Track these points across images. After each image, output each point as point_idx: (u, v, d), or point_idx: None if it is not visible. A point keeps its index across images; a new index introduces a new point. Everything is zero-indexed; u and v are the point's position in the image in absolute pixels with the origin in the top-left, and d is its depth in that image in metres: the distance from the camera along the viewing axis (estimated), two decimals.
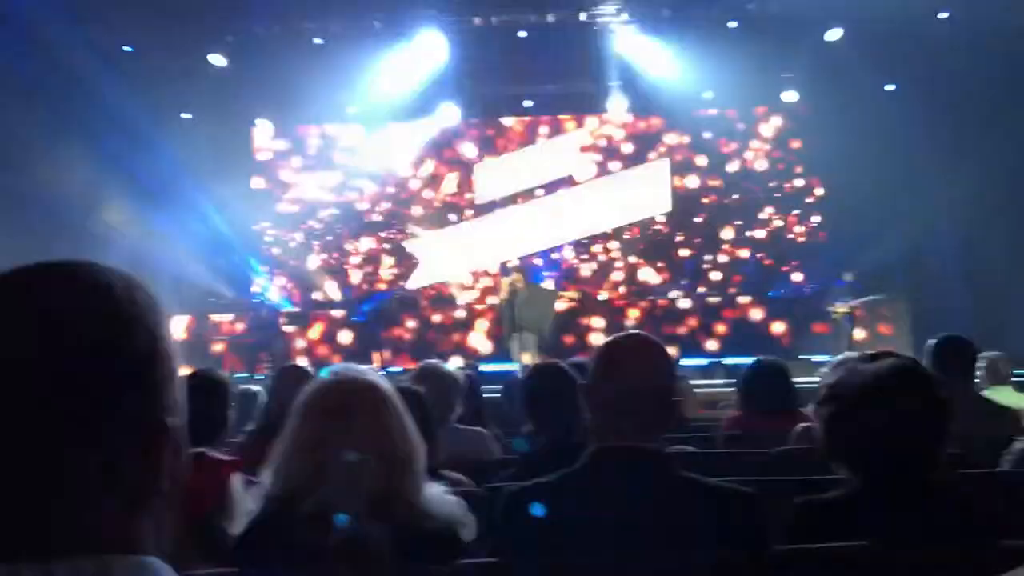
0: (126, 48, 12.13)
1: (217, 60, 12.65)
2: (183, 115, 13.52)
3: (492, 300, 13.72)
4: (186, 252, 12.99)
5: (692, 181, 14.79)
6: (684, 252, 14.71)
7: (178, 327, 12.83)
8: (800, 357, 11.24)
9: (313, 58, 12.69)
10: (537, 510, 1.79)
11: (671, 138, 14.83)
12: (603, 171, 14.92)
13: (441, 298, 14.71)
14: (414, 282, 14.73)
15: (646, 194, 14.77)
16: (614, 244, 14.77)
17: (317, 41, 12.83)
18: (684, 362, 11.98)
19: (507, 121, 15.17)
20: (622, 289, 14.54)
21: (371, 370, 1.97)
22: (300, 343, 13.18)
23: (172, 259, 12.51)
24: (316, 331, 13.53)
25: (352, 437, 1.73)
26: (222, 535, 2.18)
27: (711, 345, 13.27)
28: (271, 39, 12.83)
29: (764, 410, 3.91)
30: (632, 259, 14.66)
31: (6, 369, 0.73)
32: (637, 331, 2.02)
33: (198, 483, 2.37)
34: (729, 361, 11.84)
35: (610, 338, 1.99)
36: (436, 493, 1.82)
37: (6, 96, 10.53)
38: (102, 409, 0.76)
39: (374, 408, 1.77)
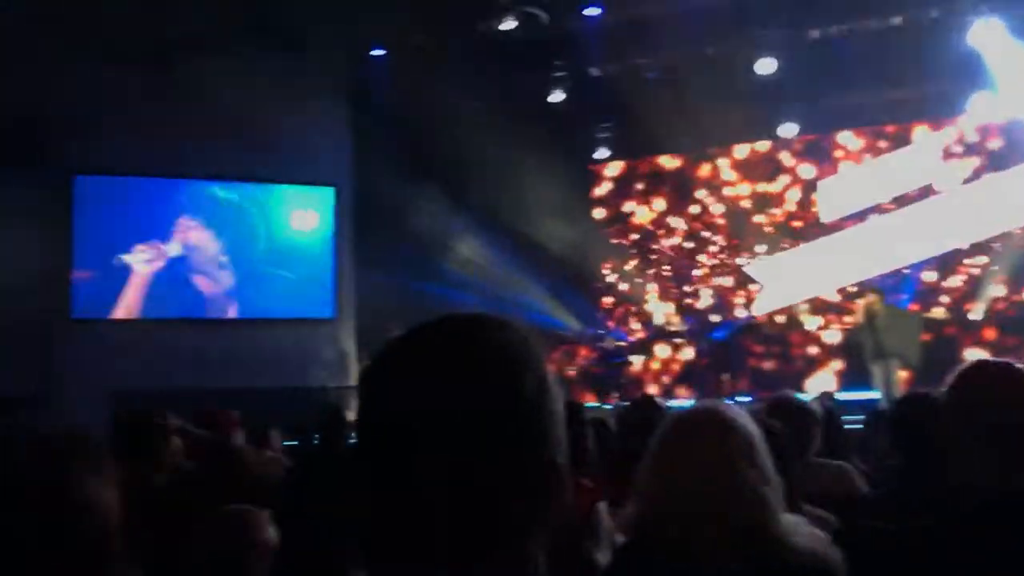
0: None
1: (554, 98, 13.34)
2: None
3: (847, 322, 12.95)
4: (535, 289, 13.80)
5: None
6: None
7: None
8: None
9: (646, 92, 12.97)
10: (910, 557, 1.66)
11: None
12: (970, 177, 13.47)
13: (791, 324, 14.18)
14: (758, 308, 14.34)
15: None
16: (981, 259, 13.19)
17: (650, 75, 13.11)
18: None
19: (847, 134, 14.36)
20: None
21: (727, 404, 1.97)
22: (645, 373, 13.35)
23: (524, 297, 13.36)
24: (660, 361, 13.62)
25: (700, 468, 1.74)
26: (590, 561, 2.27)
27: None
28: (605, 77, 13.33)
29: None
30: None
31: (423, 413, 0.83)
32: (988, 359, 1.81)
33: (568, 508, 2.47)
34: None
35: (967, 365, 1.80)
36: (798, 526, 1.76)
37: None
38: (499, 448, 0.83)
39: (722, 436, 1.77)
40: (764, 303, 14.34)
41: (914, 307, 12.63)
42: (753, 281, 14.48)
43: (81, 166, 11.38)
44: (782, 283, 14.17)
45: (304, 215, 12.79)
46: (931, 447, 2.69)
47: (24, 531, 1.00)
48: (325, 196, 12.82)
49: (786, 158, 14.66)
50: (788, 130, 13.82)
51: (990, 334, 12.18)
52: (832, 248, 13.96)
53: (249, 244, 12.46)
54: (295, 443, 6.68)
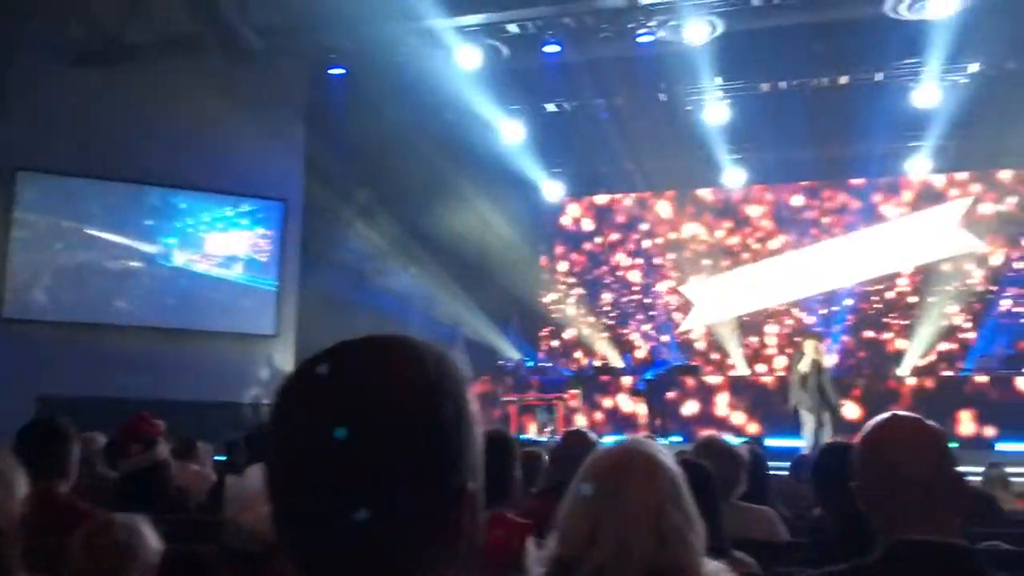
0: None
1: (513, 134, 13.46)
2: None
3: (778, 368, 13.33)
4: (477, 316, 13.84)
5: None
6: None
7: (474, 389, 13.59)
8: None
9: (600, 129, 13.20)
10: None
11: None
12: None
13: (722, 365, 14.51)
14: (688, 324, 14.84)
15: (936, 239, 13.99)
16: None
17: (604, 114, 13.35)
18: (1000, 447, 10.80)
19: (793, 186, 14.92)
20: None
21: (654, 442, 1.99)
22: (581, 408, 13.42)
23: (465, 324, 13.39)
24: (598, 397, 13.72)
25: (624, 505, 1.74)
26: None
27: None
28: (563, 114, 13.52)
29: None
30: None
31: (328, 435, 0.81)
32: (898, 413, 1.85)
33: (498, 542, 2.48)
34: None
35: (875, 422, 1.86)
36: (718, 572, 1.78)
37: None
38: (414, 472, 0.82)
39: (648, 478, 1.77)
40: (695, 321, 14.89)
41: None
42: (686, 310, 14.85)
43: (23, 163, 11.11)
44: (714, 303, 14.75)
45: (251, 228, 12.65)
46: (849, 497, 2.76)
47: None
48: (273, 210, 12.70)
49: (732, 206, 15.13)
50: (734, 178, 14.28)
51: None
52: (763, 272, 14.73)
53: (192, 254, 12.27)
54: (224, 458, 6.56)
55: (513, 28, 11.41)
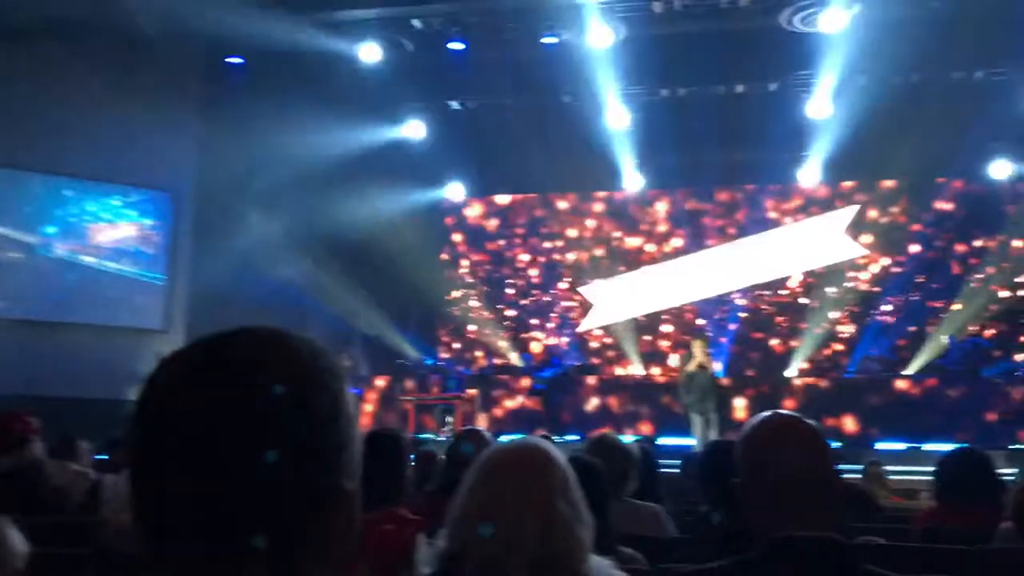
0: None
1: (415, 131, 13.37)
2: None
3: (672, 367, 13.66)
4: (379, 314, 13.71)
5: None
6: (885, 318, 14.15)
7: (372, 388, 13.45)
8: (1012, 447, 10.33)
9: (503, 129, 13.25)
10: None
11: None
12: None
13: (619, 365, 14.77)
14: (586, 325, 15.07)
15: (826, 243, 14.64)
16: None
17: (508, 114, 13.40)
18: (880, 446, 11.28)
19: (690, 191, 15.33)
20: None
21: (545, 440, 1.99)
22: (480, 407, 13.43)
23: (365, 321, 13.24)
24: (497, 396, 13.75)
25: (513, 498, 1.75)
26: None
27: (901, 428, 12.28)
28: (466, 112, 13.50)
29: (962, 503, 3.61)
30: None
31: (199, 430, 0.78)
32: (779, 412, 1.90)
33: (387, 539, 2.44)
34: (930, 447, 10.97)
35: (755, 420, 1.91)
36: (602, 567, 1.79)
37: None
38: (284, 469, 0.79)
39: (538, 472, 1.78)
40: (594, 322, 15.10)
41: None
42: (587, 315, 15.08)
43: None
44: (612, 304, 15.01)
45: (139, 220, 12.20)
46: (732, 494, 2.82)
47: None
48: (163, 201, 12.28)
49: (632, 209, 15.42)
50: (634, 181, 14.57)
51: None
52: (660, 275, 15.11)
53: (75, 244, 11.75)
54: (106, 457, 6.31)
55: (417, 23, 11.34)
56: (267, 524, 0.79)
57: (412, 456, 4.69)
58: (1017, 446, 10.46)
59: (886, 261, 14.63)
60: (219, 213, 11.94)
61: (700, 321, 14.91)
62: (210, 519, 0.78)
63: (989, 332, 13.73)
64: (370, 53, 11.54)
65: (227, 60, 11.70)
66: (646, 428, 12.54)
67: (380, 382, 13.52)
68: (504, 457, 1.89)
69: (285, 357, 0.84)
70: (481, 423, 11.98)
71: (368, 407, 13.21)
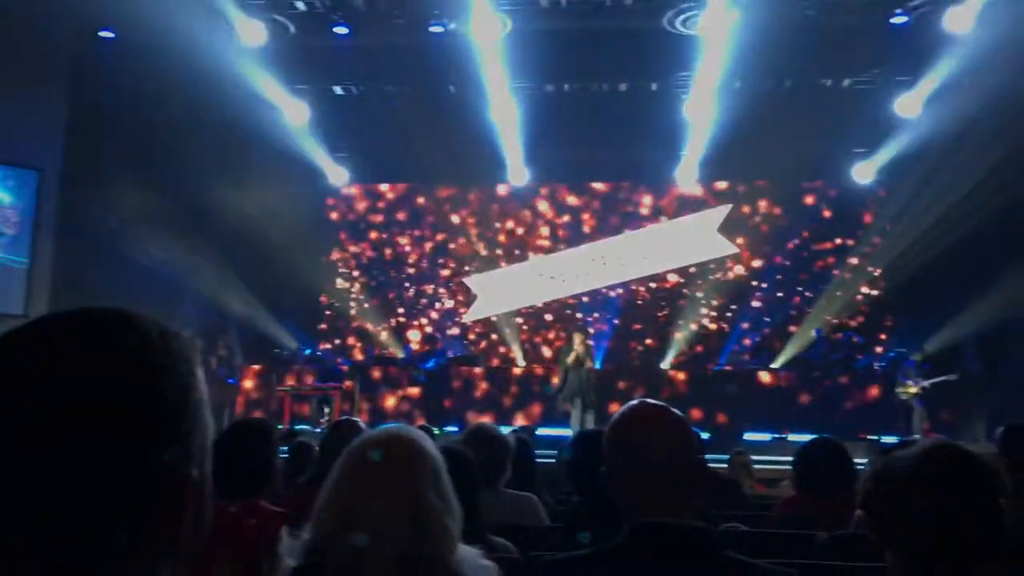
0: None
1: (298, 115, 13.06)
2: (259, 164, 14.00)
3: (547, 353, 13.82)
4: (256, 301, 13.35)
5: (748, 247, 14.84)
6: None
7: (248, 377, 13.11)
8: (870, 437, 10.91)
9: (388, 116, 13.10)
10: None
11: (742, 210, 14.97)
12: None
13: (501, 357, 14.85)
14: (470, 316, 15.23)
15: (699, 240, 15.13)
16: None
17: (393, 102, 13.25)
18: (748, 436, 11.73)
19: (573, 186, 15.54)
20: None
21: (416, 429, 1.97)
22: (359, 397, 13.28)
23: (242, 308, 12.87)
24: (376, 387, 13.62)
25: (383, 491, 1.73)
26: None
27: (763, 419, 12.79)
28: (349, 97, 13.28)
29: (820, 491, 3.77)
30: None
31: (34, 414, 0.73)
32: (646, 400, 1.93)
33: (250, 532, 2.38)
34: (795, 437, 11.48)
35: (622, 409, 1.94)
36: (470, 557, 1.79)
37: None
38: (127, 456, 0.75)
39: (408, 464, 1.77)
40: (477, 312, 15.23)
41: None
42: (468, 300, 15.09)
43: None
44: (495, 296, 15.11)
45: (1, 199, 11.50)
46: (600, 483, 2.87)
47: None
48: (26, 179, 11.60)
49: (516, 202, 15.51)
50: (519, 174, 14.67)
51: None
52: (542, 267, 15.27)
53: None
54: None
55: (301, 5, 11.08)
56: (102, 515, 0.74)
57: (286, 447, 4.61)
58: (872, 436, 11.06)
59: (757, 259, 15.19)
60: (86, 193, 11.38)
61: (579, 315, 15.15)
62: (37, 508, 0.73)
63: (854, 326, 14.47)
64: (252, 34, 11.20)
65: (99, 34, 11.14)
66: (526, 419, 12.66)
67: (256, 371, 13.19)
68: (369, 445, 1.86)
69: (129, 338, 0.79)
70: (360, 414, 11.85)
71: (243, 397, 12.88)
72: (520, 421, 12.43)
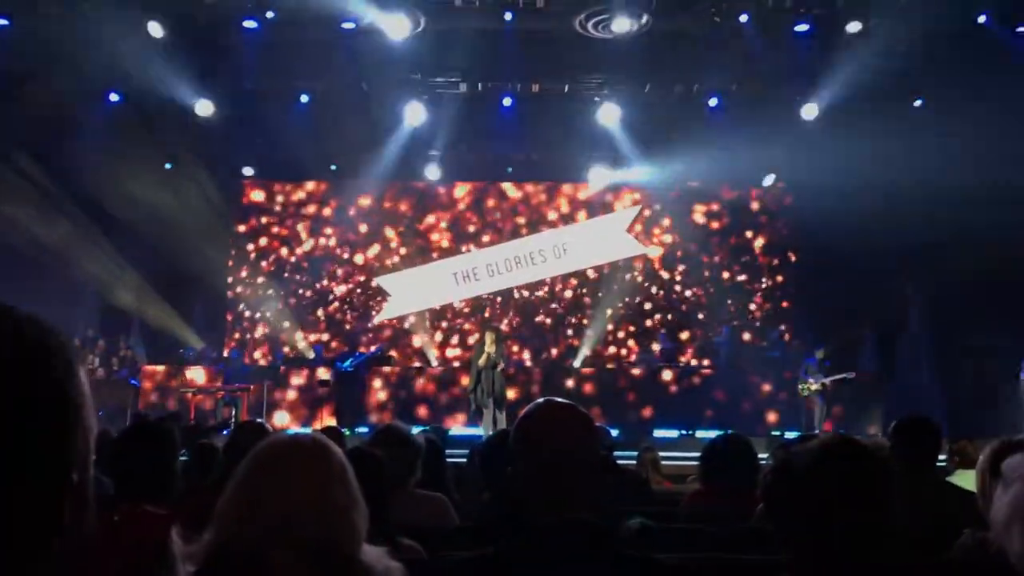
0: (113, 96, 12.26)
1: (204, 109, 12.71)
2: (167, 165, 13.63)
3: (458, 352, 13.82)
4: (158, 300, 12.98)
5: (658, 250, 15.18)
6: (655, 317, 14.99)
7: (149, 377, 12.71)
8: (773, 433, 11.23)
9: (298, 114, 12.88)
10: None
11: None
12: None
13: (418, 356, 14.80)
14: (383, 315, 15.17)
15: (612, 240, 15.36)
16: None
17: (304, 98, 13.04)
18: (656, 433, 11.93)
19: (487, 186, 15.60)
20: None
21: (332, 431, 1.95)
22: (270, 399, 13.02)
23: (142, 308, 12.49)
24: (285, 388, 13.37)
25: (286, 484, 1.70)
26: None
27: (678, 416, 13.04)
28: (259, 93, 13.00)
29: (726, 486, 3.87)
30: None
31: None
32: (552, 399, 1.94)
33: (134, 538, 2.30)
34: (701, 434, 11.73)
35: (528, 407, 1.95)
36: (375, 557, 1.77)
37: None
38: (5, 460, 0.72)
39: (313, 462, 1.75)
40: (389, 312, 15.20)
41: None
42: (381, 300, 15.02)
43: None
44: (408, 295, 15.10)
45: None
46: (508, 481, 2.87)
47: None
48: None
49: (428, 201, 15.48)
50: (431, 173, 14.65)
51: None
52: (454, 267, 15.35)
53: None
54: None
55: None
56: None
57: (188, 450, 4.49)
58: (775, 432, 11.38)
59: (667, 258, 15.48)
60: None
61: (489, 313, 15.19)
62: None
63: (758, 324, 14.90)
64: (156, 26, 10.89)
65: None
66: (438, 419, 12.60)
67: (160, 372, 12.82)
68: (277, 448, 1.84)
69: (5, 340, 0.75)
70: (267, 416, 11.63)
71: (145, 398, 12.50)
72: (431, 421, 12.36)
